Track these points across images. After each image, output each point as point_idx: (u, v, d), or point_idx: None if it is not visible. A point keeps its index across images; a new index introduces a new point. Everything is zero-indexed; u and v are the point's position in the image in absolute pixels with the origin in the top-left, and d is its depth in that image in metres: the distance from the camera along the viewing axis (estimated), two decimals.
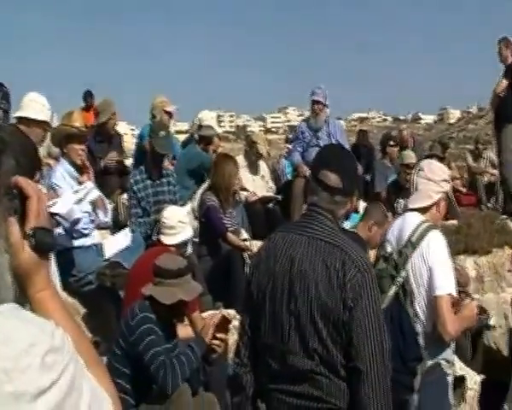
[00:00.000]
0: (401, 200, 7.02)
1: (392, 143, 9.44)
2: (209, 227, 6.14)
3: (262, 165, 7.84)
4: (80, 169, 5.43)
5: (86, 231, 5.21)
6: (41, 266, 1.15)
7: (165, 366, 3.62)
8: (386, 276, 3.29)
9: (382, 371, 2.30)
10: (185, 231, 5.01)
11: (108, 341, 4.05)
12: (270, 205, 7.57)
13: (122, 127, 10.52)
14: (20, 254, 1.11)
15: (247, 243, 6.12)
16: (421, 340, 3.32)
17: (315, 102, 7.99)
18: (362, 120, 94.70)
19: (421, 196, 3.49)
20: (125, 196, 6.74)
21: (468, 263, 6.12)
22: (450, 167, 9.44)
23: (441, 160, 7.91)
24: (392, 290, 3.28)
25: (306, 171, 7.49)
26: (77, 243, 5.16)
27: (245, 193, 7.15)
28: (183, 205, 6.14)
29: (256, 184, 7.51)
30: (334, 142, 7.47)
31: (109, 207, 5.90)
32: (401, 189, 7.57)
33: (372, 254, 4.06)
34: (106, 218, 5.49)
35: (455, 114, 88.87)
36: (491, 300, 5.85)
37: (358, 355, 2.30)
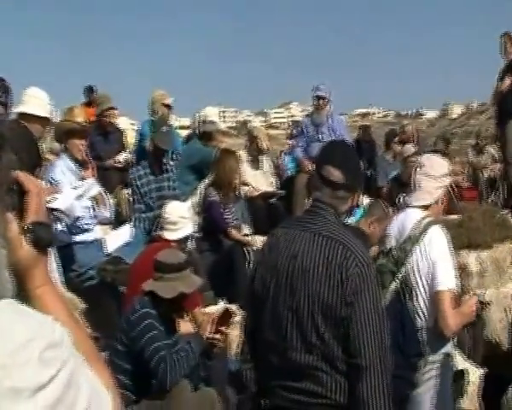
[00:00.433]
0: (403, 195, 6.99)
1: (396, 139, 9.42)
2: (211, 222, 6.15)
3: (264, 160, 7.84)
4: (81, 164, 5.43)
5: (87, 227, 5.21)
6: (39, 262, 1.15)
7: (165, 361, 3.63)
8: (387, 271, 3.29)
9: (382, 366, 2.29)
10: (187, 227, 5.01)
11: (108, 336, 4.05)
12: (272, 200, 7.57)
13: (123, 122, 10.49)
14: (18, 250, 1.11)
15: (249, 238, 6.12)
16: (422, 335, 3.32)
17: (319, 98, 8.00)
18: (364, 115, 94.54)
19: (421, 193, 3.49)
20: (126, 191, 6.74)
21: (471, 258, 6.10)
22: (452, 162, 9.42)
23: (445, 156, 7.88)
24: (393, 286, 3.28)
25: (309, 166, 7.49)
26: (78, 238, 5.16)
27: (246, 188, 7.15)
28: (184, 200, 6.14)
29: (257, 179, 7.51)
30: (336, 137, 7.47)
31: (111, 202, 5.90)
32: (403, 184, 7.55)
33: (374, 250, 4.06)
34: (107, 213, 5.49)
35: (457, 110, 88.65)
36: (492, 294, 5.84)
37: (358, 351, 2.29)
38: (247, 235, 6.21)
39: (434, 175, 3.47)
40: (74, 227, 5.12)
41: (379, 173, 8.82)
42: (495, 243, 6.23)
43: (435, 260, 3.28)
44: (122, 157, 7.29)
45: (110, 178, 6.87)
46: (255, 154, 7.62)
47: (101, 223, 5.60)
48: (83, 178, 5.34)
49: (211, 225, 6.15)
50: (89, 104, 9.76)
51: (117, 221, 6.21)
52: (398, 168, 8.19)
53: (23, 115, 5.04)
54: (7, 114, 4.25)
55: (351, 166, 2.54)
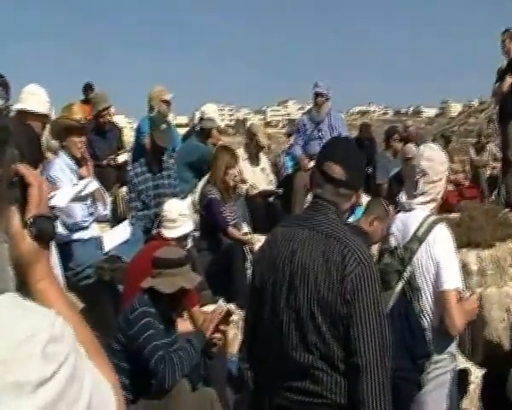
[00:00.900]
0: (403, 192, 6.95)
1: (396, 137, 9.39)
2: (210, 221, 6.11)
3: (262, 157, 7.81)
4: (79, 162, 5.39)
5: (85, 224, 5.18)
6: (41, 255, 1.15)
7: (164, 360, 3.59)
8: (393, 271, 3.26)
9: (382, 366, 2.26)
10: (186, 225, 4.98)
11: (106, 335, 4.02)
12: (271, 199, 7.54)
13: (120, 120, 10.46)
14: (21, 244, 1.10)
15: (249, 237, 6.09)
16: (428, 335, 3.29)
17: (318, 95, 7.98)
18: (363, 113, 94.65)
19: (422, 192, 3.45)
20: (123, 189, 6.71)
21: (471, 256, 6.08)
22: (453, 161, 9.40)
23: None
24: (399, 286, 3.25)
25: (308, 164, 7.46)
26: (75, 236, 5.13)
27: (245, 185, 7.12)
28: (183, 198, 6.10)
29: (256, 177, 7.48)
30: (335, 134, 7.45)
31: (108, 200, 5.86)
32: (403, 182, 7.51)
33: (375, 249, 4.02)
34: (105, 211, 5.45)
35: (456, 108, 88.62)
36: (493, 293, 5.82)
37: (357, 350, 2.26)
38: (246, 234, 6.17)
39: (433, 175, 3.43)
40: (72, 225, 5.08)
41: (379, 171, 8.79)
42: (496, 242, 6.22)
43: (440, 260, 3.25)
44: (121, 159, 7.23)
45: (107, 177, 6.83)
46: (254, 151, 7.59)
47: (99, 221, 5.57)
48: (81, 177, 5.30)
49: (210, 223, 6.12)
50: (87, 101, 9.71)
51: (114, 219, 6.18)
52: (398, 166, 8.16)
53: (22, 112, 5.01)
54: (7, 110, 4.20)
55: (353, 163, 2.50)
